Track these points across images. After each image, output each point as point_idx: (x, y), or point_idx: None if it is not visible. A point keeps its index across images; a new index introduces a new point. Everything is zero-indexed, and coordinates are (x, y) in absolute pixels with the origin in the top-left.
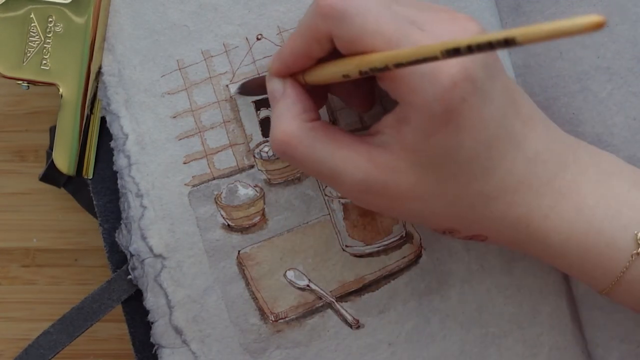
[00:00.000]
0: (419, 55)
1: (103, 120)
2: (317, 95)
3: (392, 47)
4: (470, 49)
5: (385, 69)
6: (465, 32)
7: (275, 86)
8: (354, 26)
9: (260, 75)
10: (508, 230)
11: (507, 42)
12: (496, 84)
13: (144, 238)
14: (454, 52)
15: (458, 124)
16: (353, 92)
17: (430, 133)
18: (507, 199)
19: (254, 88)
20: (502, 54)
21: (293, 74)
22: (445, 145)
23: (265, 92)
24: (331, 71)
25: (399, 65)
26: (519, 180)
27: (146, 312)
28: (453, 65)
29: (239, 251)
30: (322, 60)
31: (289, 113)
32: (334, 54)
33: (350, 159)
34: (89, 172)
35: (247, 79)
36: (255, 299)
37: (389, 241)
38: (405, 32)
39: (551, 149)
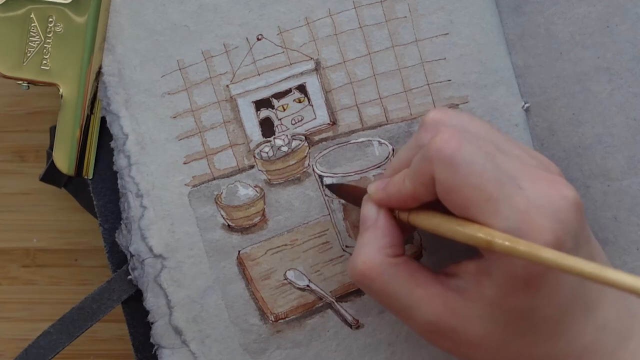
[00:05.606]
0: (603, 279)
1: (103, 120)
2: (404, 226)
3: (490, 205)
4: None
5: (531, 261)
6: (563, 199)
7: (369, 212)
8: (457, 175)
9: (357, 185)
10: None
11: None
12: (581, 253)
13: (144, 238)
14: None
15: (539, 289)
16: None
17: (509, 292)
18: None
19: (346, 194)
20: (503, 52)
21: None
22: (522, 305)
23: (353, 203)
24: (447, 228)
25: (565, 270)
26: (584, 347)
27: (146, 313)
28: (545, 232)
29: (239, 251)
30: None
31: (374, 245)
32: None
33: (425, 299)
34: (89, 172)
35: (345, 183)
36: (255, 299)
37: None
38: (505, 192)
39: (620, 317)
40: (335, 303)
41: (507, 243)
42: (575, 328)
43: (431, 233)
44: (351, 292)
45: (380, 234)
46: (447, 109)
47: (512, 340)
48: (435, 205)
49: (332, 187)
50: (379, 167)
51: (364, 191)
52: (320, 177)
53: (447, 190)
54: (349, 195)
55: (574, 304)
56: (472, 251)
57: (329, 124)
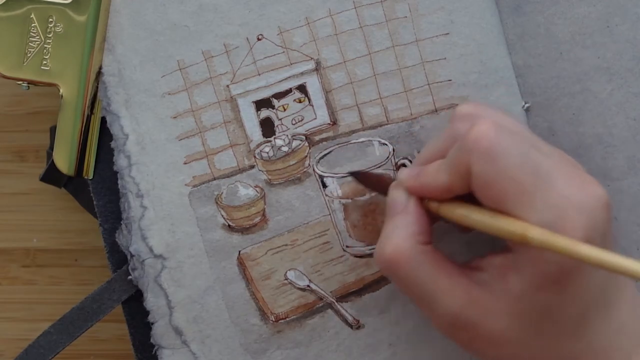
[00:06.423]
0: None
1: (103, 120)
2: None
3: (526, 198)
4: None
5: (568, 255)
6: (595, 198)
7: (399, 198)
8: (494, 167)
9: (381, 172)
10: None
11: None
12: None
13: (144, 238)
14: None
15: (566, 285)
16: None
17: (538, 288)
18: None
19: (369, 182)
20: (503, 52)
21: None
22: (548, 302)
23: (378, 191)
24: (480, 220)
25: (603, 266)
26: (603, 347)
27: (146, 313)
28: (578, 229)
29: (239, 251)
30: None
31: (405, 230)
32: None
33: (449, 290)
34: (89, 173)
35: (368, 170)
36: (255, 299)
37: None
38: (541, 186)
39: (635, 321)
40: (336, 303)
41: (543, 237)
42: (595, 327)
43: (459, 225)
44: (351, 292)
45: (412, 220)
46: (480, 103)
47: (532, 337)
48: (466, 199)
49: (354, 174)
50: (379, 167)
51: (389, 180)
52: (321, 177)
53: (484, 182)
54: (373, 183)
55: (597, 302)
56: (488, 240)
57: (329, 124)
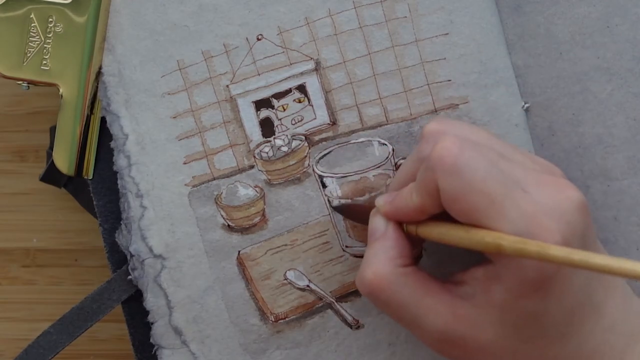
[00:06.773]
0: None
1: (103, 120)
2: (412, 239)
3: (496, 209)
4: None
5: (540, 259)
6: (569, 201)
7: (377, 225)
8: (461, 181)
9: (364, 204)
10: None
11: None
12: None
13: (144, 238)
14: None
15: (548, 290)
16: None
17: (520, 295)
18: None
19: (353, 214)
20: (503, 52)
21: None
22: (532, 308)
23: (362, 222)
24: (456, 236)
25: (577, 266)
26: (593, 348)
27: (146, 313)
28: (553, 234)
29: (239, 251)
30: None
31: (384, 255)
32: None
33: (433, 308)
34: (89, 173)
35: (351, 203)
36: (255, 299)
37: None
38: (510, 196)
39: (627, 319)
40: (335, 303)
41: (516, 244)
42: (584, 330)
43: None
44: (351, 292)
45: (390, 245)
46: (447, 119)
47: (522, 344)
48: (444, 218)
49: (338, 209)
50: (379, 167)
51: (370, 208)
52: (321, 177)
53: (452, 198)
54: (356, 214)
55: (581, 304)
56: (472, 252)
57: (329, 124)
